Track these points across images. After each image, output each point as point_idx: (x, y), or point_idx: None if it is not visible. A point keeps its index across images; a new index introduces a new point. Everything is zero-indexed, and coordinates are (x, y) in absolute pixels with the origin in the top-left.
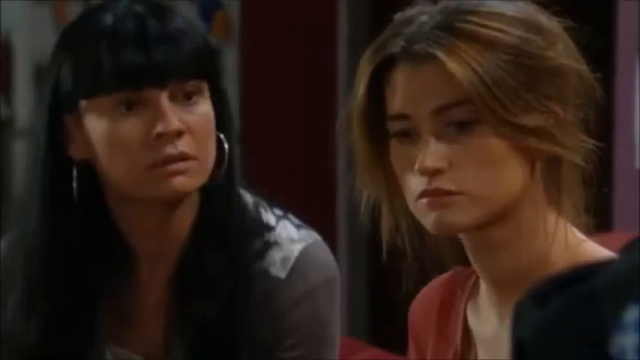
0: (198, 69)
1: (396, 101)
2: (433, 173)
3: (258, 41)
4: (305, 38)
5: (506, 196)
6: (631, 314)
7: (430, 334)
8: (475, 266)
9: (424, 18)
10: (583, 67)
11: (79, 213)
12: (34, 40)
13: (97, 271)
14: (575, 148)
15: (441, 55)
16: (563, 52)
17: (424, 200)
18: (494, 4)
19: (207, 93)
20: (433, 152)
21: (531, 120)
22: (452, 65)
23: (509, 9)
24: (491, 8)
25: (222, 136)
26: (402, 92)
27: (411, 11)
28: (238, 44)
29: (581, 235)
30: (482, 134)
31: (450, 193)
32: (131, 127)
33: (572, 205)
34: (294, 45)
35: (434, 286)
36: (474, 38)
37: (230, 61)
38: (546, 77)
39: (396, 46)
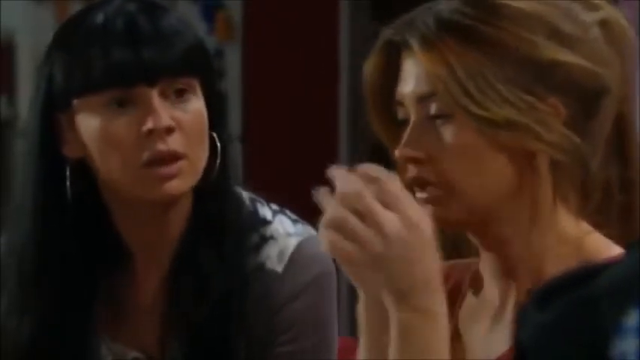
0: (189, 67)
1: (398, 88)
2: (409, 162)
3: (260, 41)
4: (307, 38)
5: (489, 194)
6: (632, 319)
7: None
8: (482, 264)
9: (441, 6)
10: (600, 70)
11: (73, 211)
12: (36, 40)
13: (91, 267)
14: (558, 144)
15: (415, 46)
16: (579, 50)
17: (417, 193)
18: (516, 3)
19: (199, 91)
20: (409, 141)
21: (501, 113)
22: (422, 57)
23: (529, 5)
24: (508, 6)
25: (214, 134)
26: (401, 79)
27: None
28: (240, 44)
29: (587, 227)
30: (458, 127)
31: (429, 184)
32: (122, 124)
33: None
34: (295, 45)
35: None
36: (466, 33)
37: (232, 61)
38: (539, 74)
39: (395, 33)
